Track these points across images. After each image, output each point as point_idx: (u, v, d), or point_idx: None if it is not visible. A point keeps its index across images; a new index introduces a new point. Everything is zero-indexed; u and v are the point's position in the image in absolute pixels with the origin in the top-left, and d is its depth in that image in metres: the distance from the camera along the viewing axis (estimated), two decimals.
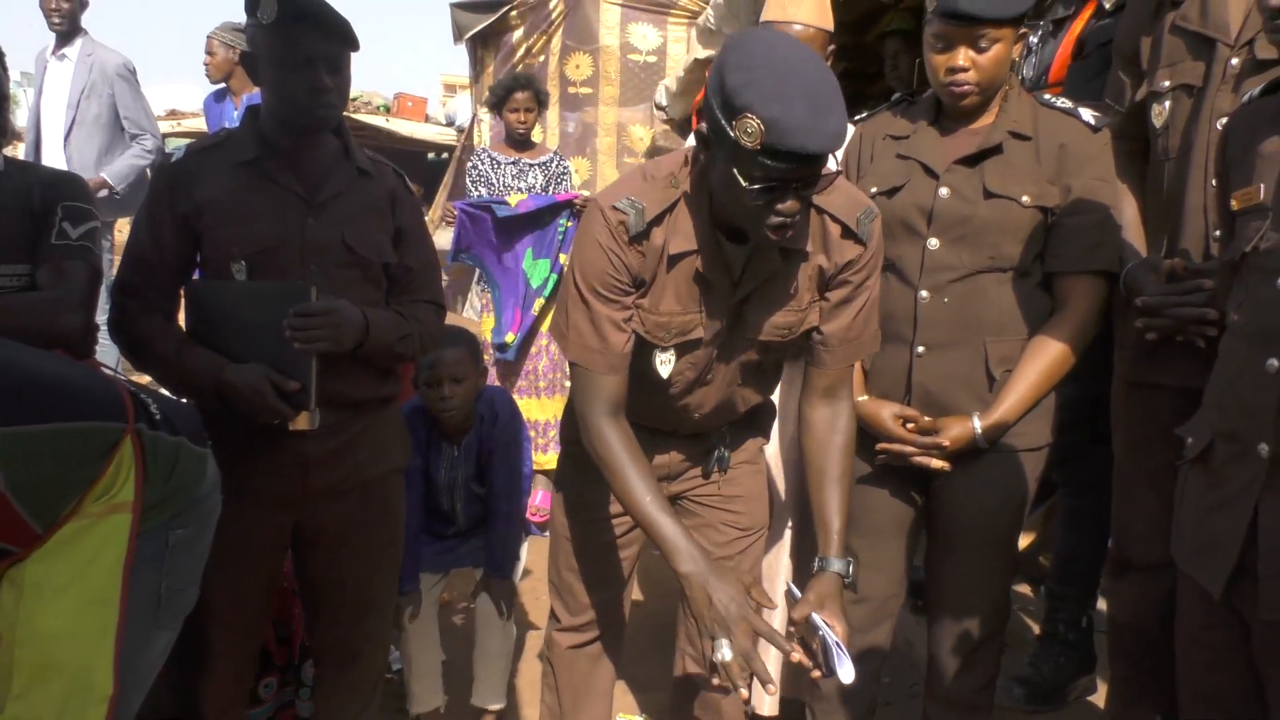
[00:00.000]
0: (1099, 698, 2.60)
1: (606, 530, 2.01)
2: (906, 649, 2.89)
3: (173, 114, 8.90)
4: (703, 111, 1.55)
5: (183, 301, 1.96)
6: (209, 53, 4.77)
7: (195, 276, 1.95)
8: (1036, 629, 2.95)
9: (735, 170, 1.48)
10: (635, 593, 3.50)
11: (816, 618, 1.65)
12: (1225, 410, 1.44)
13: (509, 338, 3.99)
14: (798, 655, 1.58)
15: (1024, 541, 3.50)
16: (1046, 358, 1.93)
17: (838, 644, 1.61)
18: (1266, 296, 1.36)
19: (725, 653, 1.54)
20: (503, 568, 2.59)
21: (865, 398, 2.03)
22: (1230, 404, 1.43)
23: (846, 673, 1.58)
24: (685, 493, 2.00)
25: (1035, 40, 2.58)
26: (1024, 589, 3.41)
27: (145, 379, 2.40)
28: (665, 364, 1.76)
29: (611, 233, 1.65)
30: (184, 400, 1.85)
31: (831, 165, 1.50)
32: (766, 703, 2.46)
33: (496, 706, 2.60)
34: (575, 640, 2.10)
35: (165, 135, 5.65)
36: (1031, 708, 2.63)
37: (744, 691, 1.55)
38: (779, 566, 2.42)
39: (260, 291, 1.85)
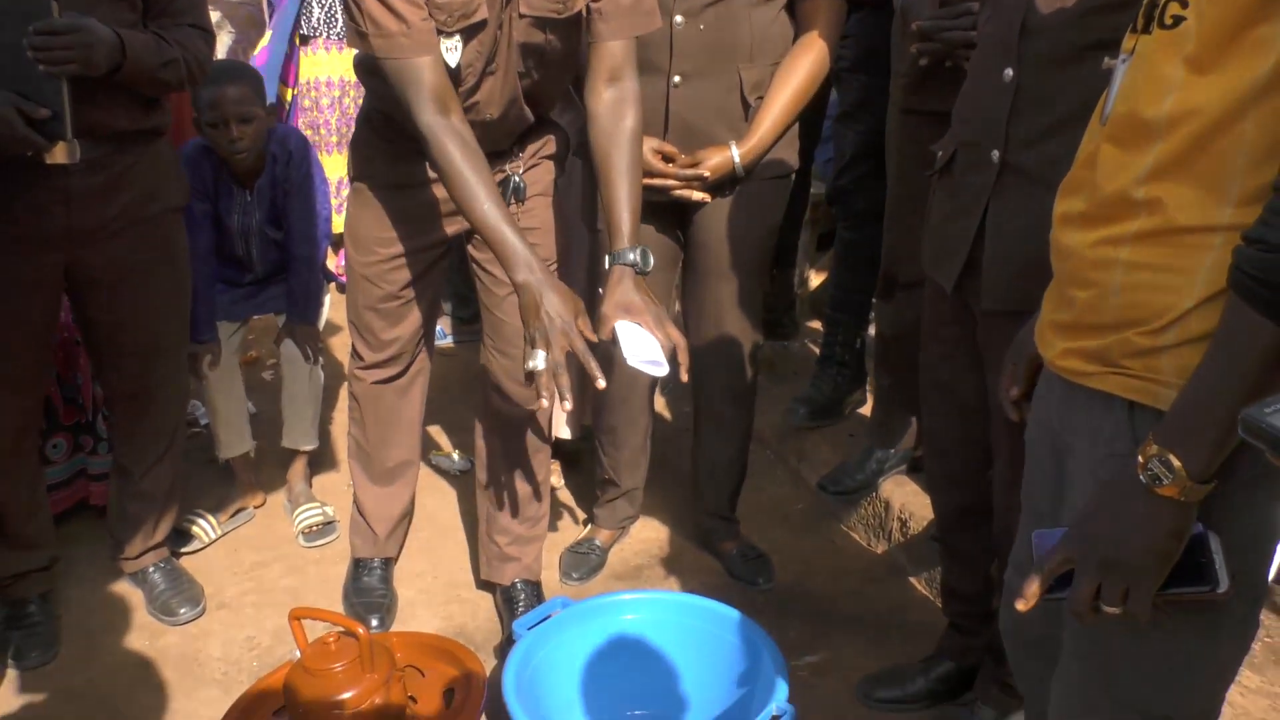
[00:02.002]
0: (867, 408, 2.90)
1: (401, 267, 2.01)
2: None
3: None
4: None
5: None
6: None
7: None
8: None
9: None
10: (447, 341, 3.58)
11: (620, 327, 1.68)
12: (968, 121, 1.55)
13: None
14: (602, 384, 1.61)
15: (816, 281, 3.73)
16: (795, 81, 2.00)
17: (645, 347, 1.64)
18: (1008, 8, 1.44)
19: (539, 362, 1.59)
20: (305, 313, 2.56)
21: None
22: (972, 114, 1.54)
23: (660, 368, 1.65)
24: None
25: None
26: (815, 324, 3.65)
27: None
28: (452, 51, 1.70)
29: None
30: None
31: None
32: (564, 427, 2.61)
33: (308, 447, 2.64)
34: (379, 375, 2.14)
35: None
36: (814, 423, 2.90)
37: (544, 401, 1.59)
38: None
39: None
